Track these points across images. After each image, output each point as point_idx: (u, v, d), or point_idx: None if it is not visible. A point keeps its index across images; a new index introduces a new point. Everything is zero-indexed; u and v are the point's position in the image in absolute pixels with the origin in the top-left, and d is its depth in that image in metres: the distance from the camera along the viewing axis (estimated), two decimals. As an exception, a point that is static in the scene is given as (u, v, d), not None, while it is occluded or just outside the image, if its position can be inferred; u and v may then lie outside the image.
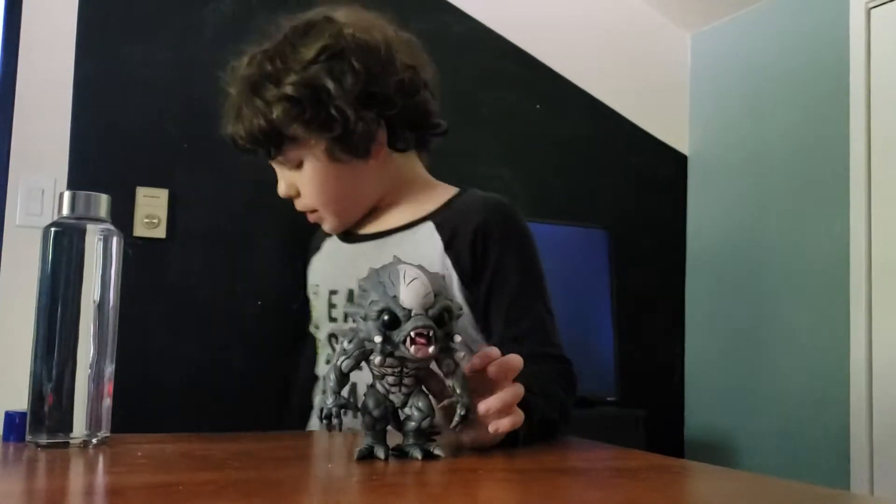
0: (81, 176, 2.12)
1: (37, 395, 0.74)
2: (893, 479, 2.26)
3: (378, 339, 0.68)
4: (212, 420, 2.16)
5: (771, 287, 2.67)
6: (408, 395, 0.73)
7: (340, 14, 1.09)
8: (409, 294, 0.68)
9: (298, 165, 1.11)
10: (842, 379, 2.40)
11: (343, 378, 0.72)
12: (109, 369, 0.77)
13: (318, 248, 1.29)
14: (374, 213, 1.19)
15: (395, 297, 0.68)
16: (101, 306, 0.77)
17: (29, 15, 2.13)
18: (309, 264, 1.30)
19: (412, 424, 0.72)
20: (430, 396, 0.75)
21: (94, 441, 0.75)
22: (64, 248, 0.76)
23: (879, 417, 2.31)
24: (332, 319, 1.18)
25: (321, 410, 0.73)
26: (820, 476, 2.40)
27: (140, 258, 2.17)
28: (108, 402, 0.77)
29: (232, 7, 2.35)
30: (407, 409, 0.73)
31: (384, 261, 0.72)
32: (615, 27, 2.92)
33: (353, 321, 0.71)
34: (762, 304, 2.69)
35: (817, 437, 2.47)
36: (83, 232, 0.77)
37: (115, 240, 0.79)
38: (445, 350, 0.71)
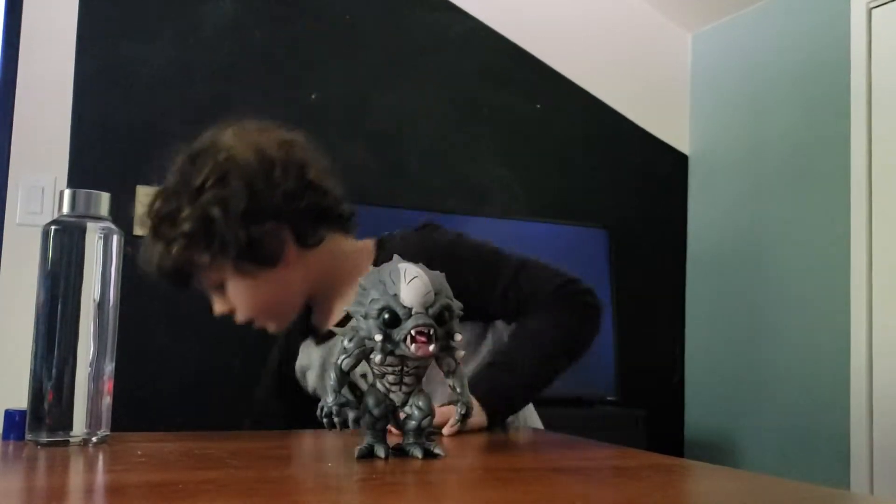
0: (81, 174, 2.12)
1: (37, 394, 0.74)
2: (893, 479, 2.26)
3: (378, 337, 0.67)
4: (212, 419, 2.15)
5: (771, 287, 2.67)
6: (408, 394, 0.72)
7: (227, 134, 1.11)
8: (410, 292, 0.67)
9: (221, 286, 1.14)
10: (842, 379, 2.40)
11: (343, 377, 0.72)
12: (109, 367, 0.77)
13: (294, 348, 1.28)
14: (324, 305, 1.19)
15: (396, 296, 0.67)
16: (101, 305, 0.77)
17: (29, 15, 2.13)
18: (294, 366, 1.29)
19: (412, 423, 0.72)
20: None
21: (94, 439, 0.75)
22: (64, 246, 0.76)
23: (879, 417, 2.31)
24: None
25: (321, 409, 0.73)
26: (820, 476, 2.40)
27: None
28: (107, 400, 0.77)
29: (232, 6, 2.35)
30: (407, 408, 0.73)
31: None
32: (615, 27, 2.92)
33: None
34: (762, 304, 2.69)
35: (817, 436, 2.47)
36: (83, 230, 0.77)
37: (115, 238, 0.79)
38: (446, 349, 0.71)
